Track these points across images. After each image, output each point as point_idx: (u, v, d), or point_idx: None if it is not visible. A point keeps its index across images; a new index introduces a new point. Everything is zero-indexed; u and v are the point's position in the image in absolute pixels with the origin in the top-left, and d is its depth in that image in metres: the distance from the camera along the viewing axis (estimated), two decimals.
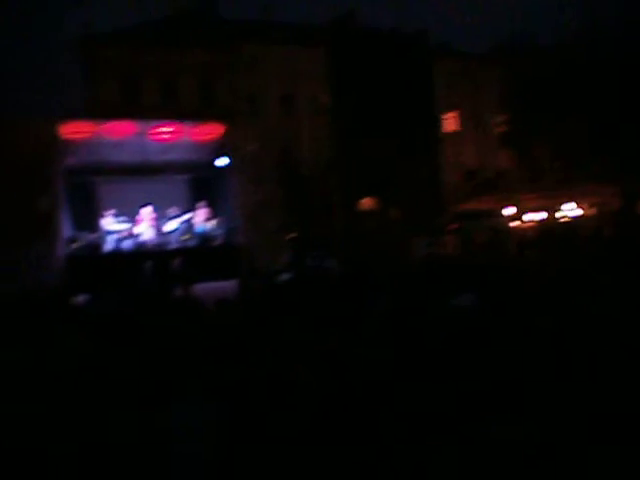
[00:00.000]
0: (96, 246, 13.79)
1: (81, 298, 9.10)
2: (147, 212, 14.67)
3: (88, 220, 15.02)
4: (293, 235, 15.58)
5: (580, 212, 20.88)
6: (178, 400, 2.95)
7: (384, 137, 25.00)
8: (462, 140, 30.21)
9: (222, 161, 14.91)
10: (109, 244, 14.08)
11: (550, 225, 20.56)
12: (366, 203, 24.84)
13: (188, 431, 2.66)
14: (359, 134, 25.23)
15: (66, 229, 13.89)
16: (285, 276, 9.75)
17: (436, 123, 29.30)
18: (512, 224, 21.89)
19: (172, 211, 14.92)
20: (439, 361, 3.22)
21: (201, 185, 16.58)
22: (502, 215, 22.12)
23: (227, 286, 10.48)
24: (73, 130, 13.30)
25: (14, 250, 12.56)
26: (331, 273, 11.64)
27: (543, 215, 21.58)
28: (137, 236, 14.43)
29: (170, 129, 14.28)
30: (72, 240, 13.70)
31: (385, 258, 13.67)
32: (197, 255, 14.06)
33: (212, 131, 15.02)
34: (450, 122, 30.73)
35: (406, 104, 26.27)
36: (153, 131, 14.17)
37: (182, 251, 14.14)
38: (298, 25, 27.76)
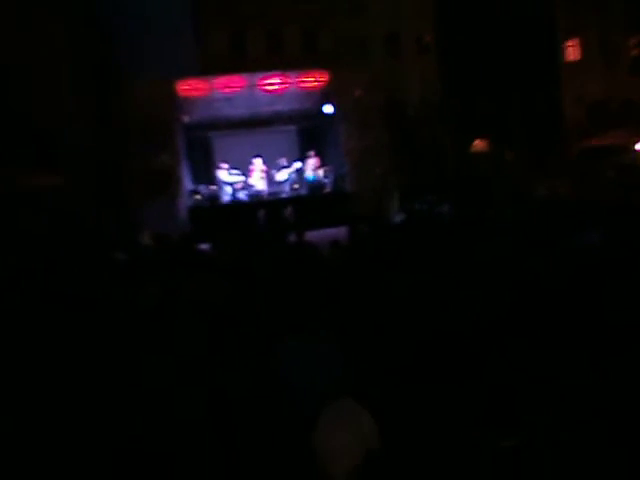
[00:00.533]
0: (215, 197, 14.59)
1: (204, 246, 9.75)
2: (259, 163, 15.21)
3: (205, 173, 15.94)
4: (401, 179, 15.33)
5: None
6: (295, 337, 3.04)
7: (496, 73, 23.38)
8: (586, 69, 27.34)
9: (329, 108, 14.90)
10: (226, 195, 14.85)
11: None
12: (478, 145, 23.64)
13: (304, 366, 2.75)
14: (469, 71, 23.80)
15: (187, 182, 14.84)
16: (396, 220, 9.72)
17: (555, 52, 26.75)
18: None
19: (282, 161, 15.32)
20: (564, 300, 3.08)
21: (309, 134, 16.82)
22: (633, 151, 20.04)
23: (337, 233, 10.67)
24: (189, 87, 13.93)
25: (142, 203, 13.71)
26: (443, 217, 11.36)
27: None
28: (251, 187, 15.06)
29: (277, 80, 14.45)
30: (193, 192, 14.60)
31: (501, 201, 13.03)
32: (308, 203, 14.39)
33: (318, 79, 14.99)
34: (572, 50, 27.88)
35: (521, 33, 24.18)
36: (261, 83, 14.43)
37: (293, 199, 14.54)
38: None
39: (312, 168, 15.38)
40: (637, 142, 19.59)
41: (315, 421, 2.13)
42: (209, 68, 19.75)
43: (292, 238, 9.18)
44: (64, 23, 19.24)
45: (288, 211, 13.90)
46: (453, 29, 24.59)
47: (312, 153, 15.58)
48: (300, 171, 15.38)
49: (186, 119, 14.78)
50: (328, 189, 15.14)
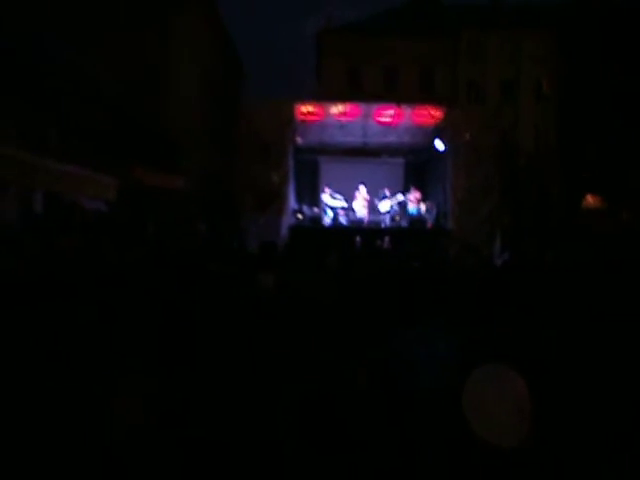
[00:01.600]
0: (316, 219, 14.97)
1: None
2: (362, 191, 15.48)
3: (310, 195, 16.48)
4: (505, 222, 14.93)
5: None
6: (410, 329, 3.11)
7: (620, 128, 22.35)
8: None
9: (439, 144, 14.94)
10: (328, 218, 15.20)
11: None
12: (590, 199, 22.53)
13: (420, 356, 2.82)
14: (589, 123, 22.94)
15: (291, 202, 15.37)
16: (501, 259, 9.48)
17: None
18: None
19: (386, 192, 15.49)
20: None
21: (415, 168, 16.95)
22: None
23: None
24: (306, 112, 14.52)
25: (249, 216, 14.38)
26: (547, 264, 10.91)
27: None
28: (353, 213, 15.33)
29: (392, 112, 14.70)
30: (297, 212, 15.08)
31: (612, 259, 12.29)
32: (407, 235, 14.36)
33: (431, 115, 15.07)
34: None
35: None
36: (376, 114, 14.76)
37: (393, 231, 14.58)
38: (524, 6, 26.14)
39: (415, 201, 15.40)
40: None
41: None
42: (329, 97, 20.52)
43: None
44: (205, 56, 21.03)
45: (385, 241, 13.94)
46: (576, 79, 23.90)
47: (416, 187, 15.64)
48: (402, 203, 15.45)
49: (299, 141, 15.43)
50: (429, 224, 15.05)
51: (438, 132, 15.14)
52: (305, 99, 15.35)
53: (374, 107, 14.83)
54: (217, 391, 2.49)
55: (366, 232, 14.39)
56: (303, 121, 14.77)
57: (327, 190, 15.53)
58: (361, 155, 16.48)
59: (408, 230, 14.77)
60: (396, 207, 15.33)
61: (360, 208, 15.43)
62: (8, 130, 8.21)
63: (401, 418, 2.51)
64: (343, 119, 14.72)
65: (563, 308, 4.56)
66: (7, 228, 7.55)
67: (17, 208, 8.75)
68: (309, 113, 14.60)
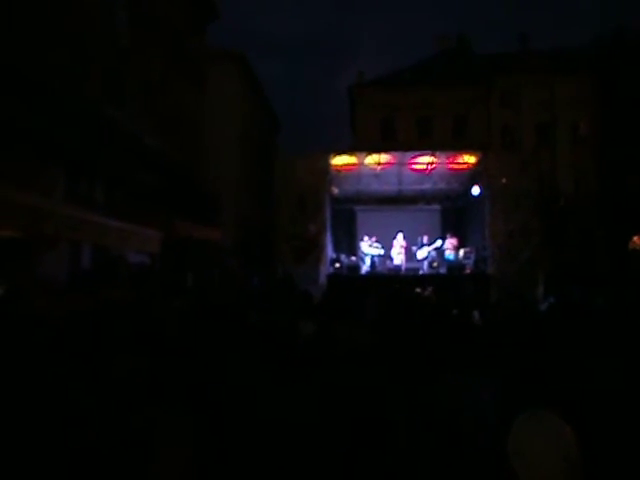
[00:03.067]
0: (355, 267, 14.95)
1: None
2: (399, 239, 15.46)
3: (347, 244, 16.56)
4: (547, 266, 14.57)
5: None
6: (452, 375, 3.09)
7: None
8: None
9: (476, 190, 14.90)
10: (366, 266, 15.18)
11: None
12: (637, 240, 21.82)
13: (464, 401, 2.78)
14: (630, 164, 22.53)
15: (329, 251, 15.45)
16: (546, 304, 9.17)
17: None
18: None
19: (423, 239, 15.42)
20: None
21: (452, 214, 16.89)
22: None
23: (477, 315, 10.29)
24: (341, 162, 14.81)
25: (287, 267, 14.51)
26: (599, 311, 10.51)
27: None
28: (390, 260, 15.26)
29: (426, 159, 14.83)
30: (335, 261, 15.13)
31: None
32: (447, 282, 14.14)
33: (466, 161, 15.13)
34: None
35: None
36: (410, 162, 14.90)
37: (432, 277, 14.39)
38: (556, 51, 26.36)
39: (452, 248, 15.26)
40: None
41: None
42: (363, 147, 20.86)
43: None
44: (241, 111, 21.88)
45: (428, 290, 13.73)
46: (614, 121, 23.66)
47: (452, 233, 15.54)
48: (440, 250, 15.32)
49: (335, 192, 15.67)
50: (469, 270, 14.82)
51: (473, 178, 15.13)
52: (340, 150, 15.65)
53: (408, 155, 14.99)
54: (258, 441, 2.49)
55: (404, 280, 14.25)
56: (339, 172, 15.04)
57: (365, 238, 15.58)
58: (397, 203, 16.59)
59: (447, 276, 14.56)
60: (433, 254, 15.21)
61: (397, 255, 15.37)
62: (58, 186, 8.66)
63: (445, 464, 2.46)
64: (377, 168, 14.91)
65: (615, 356, 4.38)
66: (57, 282, 7.83)
67: (67, 262, 9.09)
68: (344, 164, 14.88)
